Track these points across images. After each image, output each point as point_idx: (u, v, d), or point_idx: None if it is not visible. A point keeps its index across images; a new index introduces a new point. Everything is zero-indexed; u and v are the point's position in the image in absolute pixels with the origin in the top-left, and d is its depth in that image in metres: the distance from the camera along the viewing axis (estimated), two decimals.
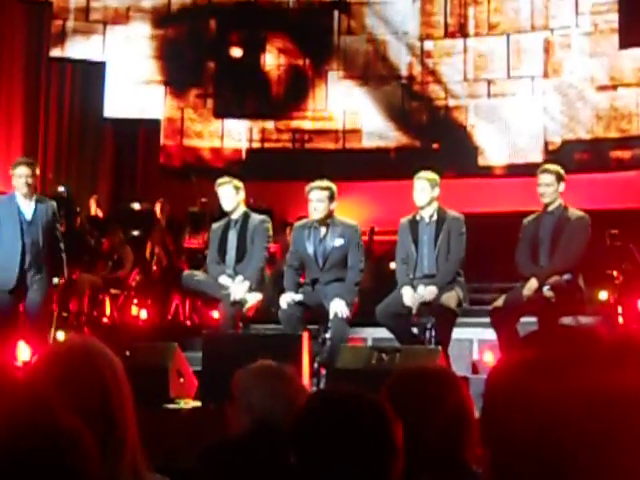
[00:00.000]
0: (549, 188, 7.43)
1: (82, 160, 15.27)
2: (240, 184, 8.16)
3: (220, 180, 8.22)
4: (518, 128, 14.99)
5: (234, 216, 8.13)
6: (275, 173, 14.87)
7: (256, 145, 16.18)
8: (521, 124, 14.97)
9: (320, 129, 16.06)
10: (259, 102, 16.13)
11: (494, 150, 15.15)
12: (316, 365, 7.36)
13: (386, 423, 2.10)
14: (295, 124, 16.14)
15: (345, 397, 2.16)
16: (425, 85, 15.72)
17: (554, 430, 1.46)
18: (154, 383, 6.56)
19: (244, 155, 16.13)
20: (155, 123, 15.85)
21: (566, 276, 7.31)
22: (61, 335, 8.86)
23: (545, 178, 7.47)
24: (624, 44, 14.22)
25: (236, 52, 16.28)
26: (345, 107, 16.01)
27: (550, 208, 7.48)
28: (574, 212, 7.50)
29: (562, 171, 7.54)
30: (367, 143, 15.86)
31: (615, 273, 9.49)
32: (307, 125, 16.11)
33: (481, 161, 15.20)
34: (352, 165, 15.12)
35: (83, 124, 15.35)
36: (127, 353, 6.53)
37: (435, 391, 2.68)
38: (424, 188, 7.66)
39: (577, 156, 14.45)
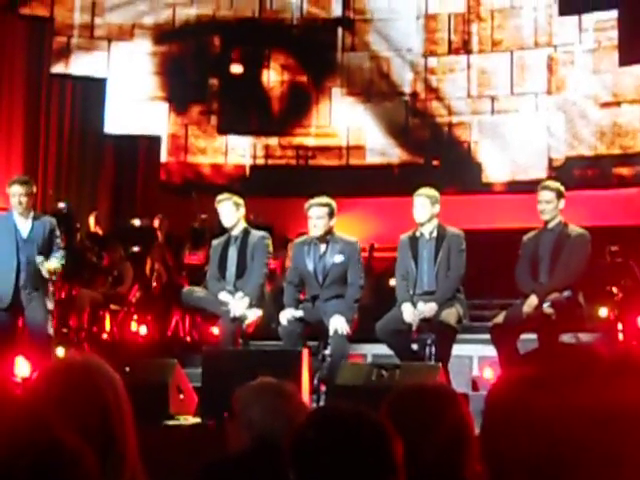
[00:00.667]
0: (549, 205, 7.42)
1: (82, 176, 15.28)
2: (240, 200, 8.16)
3: (220, 197, 8.22)
4: (522, 145, 15.00)
5: (234, 232, 8.13)
6: (279, 190, 14.89)
7: (260, 162, 16.21)
8: (524, 141, 14.98)
9: (324, 146, 16.09)
10: (263, 119, 16.17)
11: (498, 167, 15.17)
12: (316, 382, 7.35)
13: (386, 440, 2.09)
14: (298, 141, 16.17)
15: (345, 414, 2.15)
16: (428, 102, 15.76)
17: (554, 446, 1.46)
18: (154, 399, 6.55)
19: (248, 172, 16.15)
20: (156, 140, 15.87)
21: (566, 293, 7.30)
22: (61, 351, 8.85)
23: (545, 195, 7.47)
24: (624, 61, 14.25)
25: (240, 69, 16.32)
26: (349, 124, 16.05)
27: (550, 225, 7.48)
28: (574, 229, 7.49)
29: (562, 188, 7.54)
30: (371, 160, 15.89)
31: (615, 290, 9.50)
32: (311, 142, 16.15)
33: (485, 178, 15.21)
34: (356, 182, 15.15)
35: (83, 140, 15.35)
36: (127, 369, 6.51)
37: (434, 408, 2.67)
38: (424, 205, 7.67)
39: (581, 173, 14.46)
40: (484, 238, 11.01)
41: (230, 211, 8.08)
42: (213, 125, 16.24)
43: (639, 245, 10.88)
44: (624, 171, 14.33)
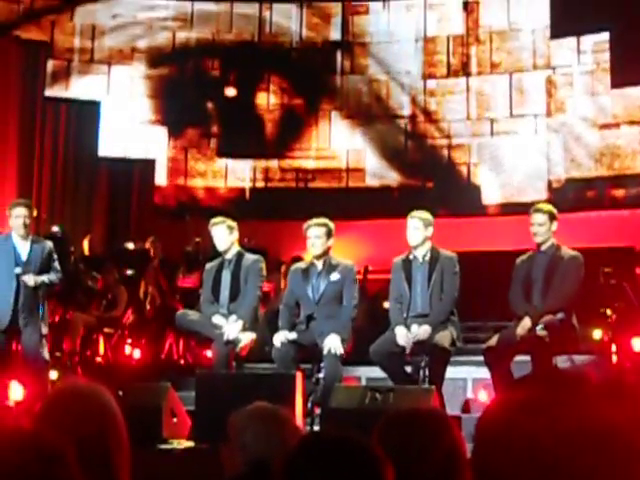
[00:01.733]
0: (542, 227, 7.45)
1: (76, 200, 15.28)
2: (234, 224, 8.19)
3: (214, 220, 8.25)
4: (521, 166, 15.01)
5: (228, 256, 8.15)
6: (278, 213, 14.89)
7: (260, 184, 16.22)
8: (524, 162, 15.00)
9: (323, 168, 16.10)
10: (263, 142, 16.18)
11: (497, 189, 15.18)
12: (310, 405, 7.36)
13: (377, 466, 2.09)
14: (298, 163, 16.18)
15: (336, 440, 2.16)
16: (428, 124, 15.79)
17: (545, 471, 1.47)
18: (147, 423, 6.55)
19: (248, 195, 16.15)
20: (150, 163, 15.87)
21: (559, 315, 7.31)
22: (54, 375, 8.83)
23: (538, 218, 7.49)
24: (616, 83, 14.29)
25: (239, 92, 16.34)
26: (348, 146, 16.08)
27: (543, 247, 7.50)
28: (567, 251, 7.51)
29: (555, 210, 7.57)
30: (370, 182, 15.92)
31: (609, 311, 9.49)
32: (310, 164, 16.14)
33: (484, 200, 15.21)
34: (355, 204, 15.16)
35: (78, 164, 15.36)
36: (120, 393, 6.50)
37: (425, 433, 2.66)
38: (417, 227, 7.70)
39: (580, 194, 14.47)
40: (478, 260, 11.01)
41: (224, 234, 8.11)
42: (213, 148, 16.25)
43: (632, 267, 10.88)
44: (618, 192, 14.34)
